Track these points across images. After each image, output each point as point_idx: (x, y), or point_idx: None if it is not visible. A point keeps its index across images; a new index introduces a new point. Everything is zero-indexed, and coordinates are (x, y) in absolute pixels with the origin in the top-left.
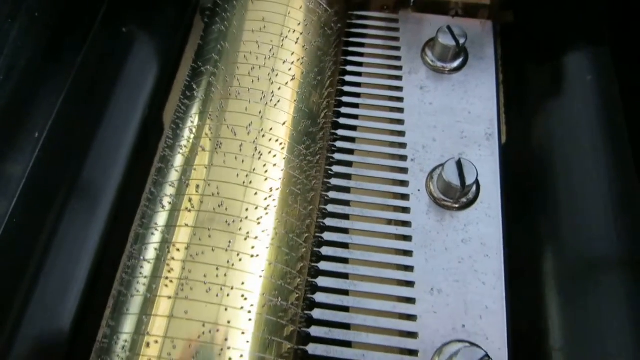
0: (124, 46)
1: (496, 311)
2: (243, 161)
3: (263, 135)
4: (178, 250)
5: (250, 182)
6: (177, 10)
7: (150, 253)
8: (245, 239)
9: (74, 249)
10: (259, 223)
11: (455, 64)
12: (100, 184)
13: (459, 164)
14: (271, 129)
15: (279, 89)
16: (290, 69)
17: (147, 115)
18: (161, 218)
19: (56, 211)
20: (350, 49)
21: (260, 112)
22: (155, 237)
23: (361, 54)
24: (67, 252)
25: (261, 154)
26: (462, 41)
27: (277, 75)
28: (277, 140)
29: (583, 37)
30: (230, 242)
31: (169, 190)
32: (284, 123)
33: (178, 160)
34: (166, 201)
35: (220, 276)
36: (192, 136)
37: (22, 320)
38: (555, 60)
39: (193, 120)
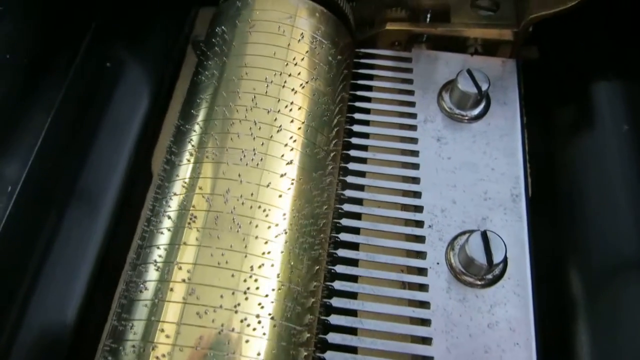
0: (107, 83)
1: None
2: (240, 226)
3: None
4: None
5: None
6: (166, 43)
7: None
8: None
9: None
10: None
11: (476, 111)
12: (82, 243)
13: (485, 238)
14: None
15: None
16: (287, 124)
17: (134, 162)
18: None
19: (33, 268)
20: (358, 92)
21: (258, 165)
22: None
23: (370, 99)
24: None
25: (263, 218)
26: (484, 87)
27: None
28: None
29: (619, 74)
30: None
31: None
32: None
33: (174, 204)
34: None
35: None
36: (189, 177)
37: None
38: (587, 101)
39: (189, 160)
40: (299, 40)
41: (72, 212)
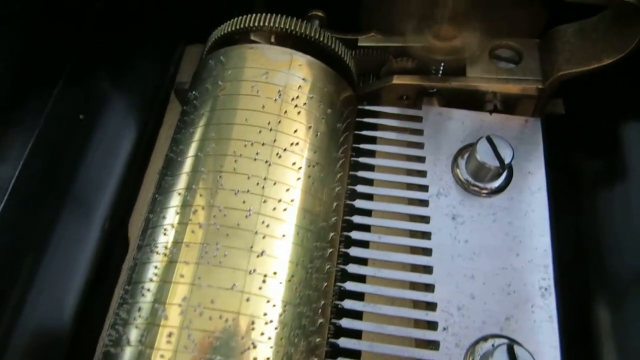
0: (81, 137)
1: None
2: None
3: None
4: None
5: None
6: (148, 88)
7: None
8: None
9: None
10: None
11: (497, 183)
12: (54, 316)
13: (511, 352)
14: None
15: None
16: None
17: (108, 229)
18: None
19: None
20: (361, 159)
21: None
22: None
23: (373, 167)
24: None
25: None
26: (507, 159)
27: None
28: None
29: None
30: None
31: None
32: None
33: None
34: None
35: None
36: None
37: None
38: (619, 160)
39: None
40: (276, 100)
41: (40, 282)
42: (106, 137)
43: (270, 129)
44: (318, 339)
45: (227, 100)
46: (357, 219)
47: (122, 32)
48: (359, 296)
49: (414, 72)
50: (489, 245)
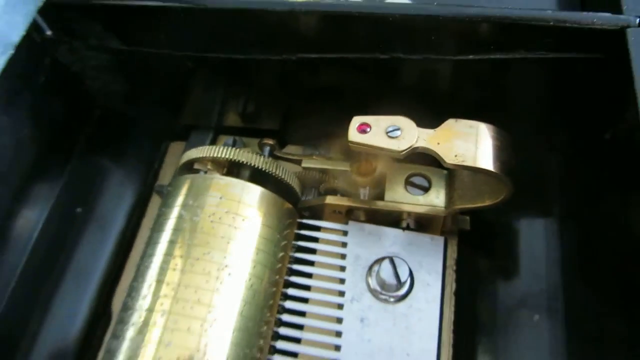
0: (78, 225)
1: None
2: None
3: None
4: None
5: None
6: (135, 182)
7: None
8: None
9: None
10: None
11: (400, 293)
12: None
13: None
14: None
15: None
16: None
17: (95, 307)
18: None
19: None
20: (294, 266)
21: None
22: None
23: (306, 274)
24: None
25: None
26: (403, 278)
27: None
28: None
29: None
30: None
31: None
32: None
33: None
34: None
35: None
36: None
37: None
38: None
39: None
40: (219, 220)
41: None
42: (97, 227)
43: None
44: None
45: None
46: (286, 317)
47: (116, 134)
48: None
49: (344, 193)
50: (387, 345)
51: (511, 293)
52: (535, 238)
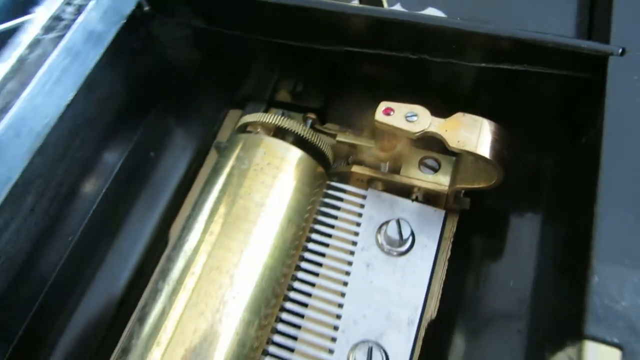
0: (149, 168)
1: None
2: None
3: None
4: None
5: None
6: (199, 138)
7: None
8: None
9: None
10: None
11: (402, 249)
12: (107, 282)
13: (370, 351)
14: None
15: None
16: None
17: (157, 230)
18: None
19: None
20: (320, 217)
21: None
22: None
23: (328, 225)
24: None
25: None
26: (405, 236)
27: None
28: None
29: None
30: None
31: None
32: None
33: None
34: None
35: None
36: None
37: None
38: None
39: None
40: (264, 175)
41: (108, 258)
42: (163, 170)
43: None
44: None
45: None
46: (307, 255)
47: (186, 97)
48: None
49: (368, 165)
50: (384, 286)
51: (495, 270)
52: (524, 227)
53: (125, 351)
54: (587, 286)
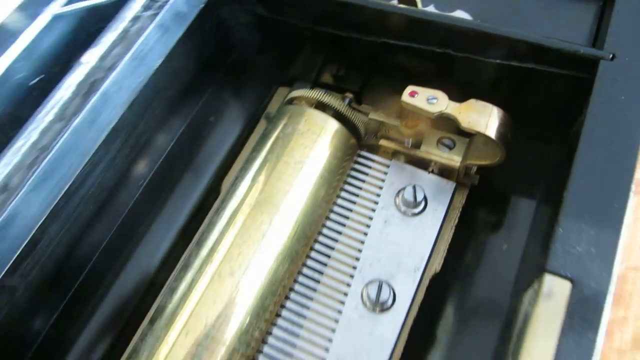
0: (209, 128)
1: None
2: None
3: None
4: None
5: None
6: (251, 110)
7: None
8: None
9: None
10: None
11: (416, 210)
12: (164, 223)
13: (380, 287)
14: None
15: (289, 204)
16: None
17: (212, 181)
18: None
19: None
20: (349, 179)
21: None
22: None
23: (356, 186)
24: None
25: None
26: (419, 200)
27: (291, 187)
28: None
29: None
30: None
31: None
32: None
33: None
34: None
35: None
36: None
37: None
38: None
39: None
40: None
41: (171, 202)
42: (220, 132)
43: (305, 160)
44: None
45: (286, 139)
46: (335, 208)
47: (243, 74)
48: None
49: (394, 140)
50: (398, 240)
51: (493, 238)
52: (523, 205)
53: (160, 310)
54: (553, 235)
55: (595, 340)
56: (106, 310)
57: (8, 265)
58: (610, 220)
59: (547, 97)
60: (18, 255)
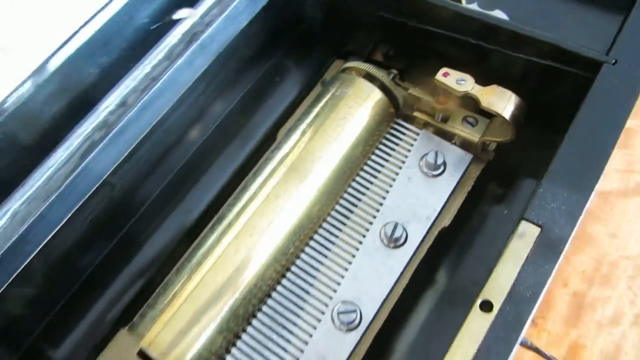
0: (274, 86)
1: None
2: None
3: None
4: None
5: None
6: (310, 75)
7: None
8: None
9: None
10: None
11: (435, 173)
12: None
13: (395, 226)
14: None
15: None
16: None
17: (269, 130)
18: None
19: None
20: (383, 141)
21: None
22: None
23: (389, 147)
24: None
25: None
26: (439, 163)
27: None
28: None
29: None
30: None
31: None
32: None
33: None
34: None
35: None
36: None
37: None
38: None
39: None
40: (351, 107)
41: (233, 144)
42: (282, 90)
43: (348, 125)
44: None
45: (331, 105)
46: (365, 166)
47: (307, 45)
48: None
49: (426, 113)
50: (416, 195)
51: (496, 208)
52: (525, 184)
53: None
54: (534, 195)
55: (551, 272)
56: (166, 235)
57: (115, 165)
58: (582, 187)
59: (558, 91)
60: (124, 158)
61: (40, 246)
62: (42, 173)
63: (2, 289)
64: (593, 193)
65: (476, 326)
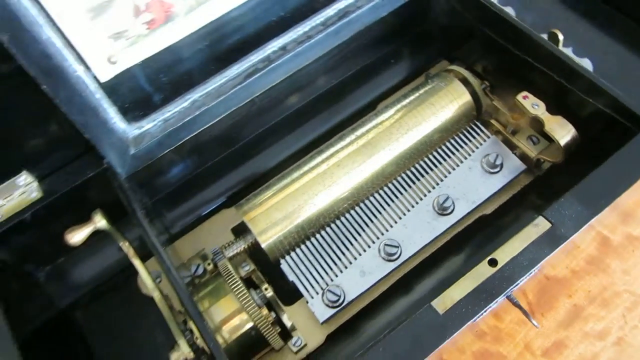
0: (387, 67)
1: None
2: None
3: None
4: None
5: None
6: (418, 67)
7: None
8: None
9: None
10: None
11: (492, 170)
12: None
13: (446, 199)
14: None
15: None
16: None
17: (374, 99)
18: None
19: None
20: (459, 134)
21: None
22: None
23: (462, 141)
24: None
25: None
26: (497, 164)
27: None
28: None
29: None
30: None
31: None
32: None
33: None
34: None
35: None
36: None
37: None
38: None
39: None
40: (441, 105)
41: (341, 104)
42: (392, 72)
43: (435, 119)
44: None
45: (424, 98)
46: (444, 147)
47: (424, 41)
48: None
49: (500, 123)
50: (471, 182)
51: (530, 214)
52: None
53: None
54: (557, 201)
55: (547, 255)
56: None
57: (263, 90)
58: (593, 207)
59: (607, 135)
60: (270, 87)
61: (203, 127)
62: (218, 80)
63: (175, 146)
64: (604, 210)
65: (480, 273)
